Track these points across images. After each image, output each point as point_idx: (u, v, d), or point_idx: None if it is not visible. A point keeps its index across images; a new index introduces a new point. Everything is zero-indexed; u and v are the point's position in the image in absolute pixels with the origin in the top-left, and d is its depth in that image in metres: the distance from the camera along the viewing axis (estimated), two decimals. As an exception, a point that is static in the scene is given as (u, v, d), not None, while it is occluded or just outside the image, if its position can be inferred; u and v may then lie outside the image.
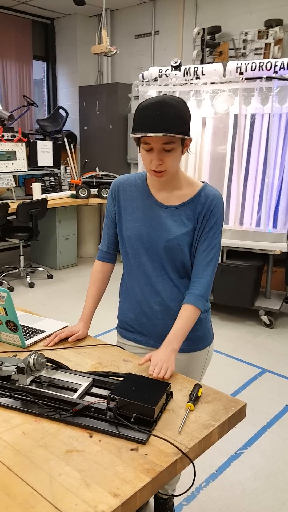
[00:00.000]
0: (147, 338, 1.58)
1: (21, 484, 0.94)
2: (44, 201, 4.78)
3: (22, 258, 5.06)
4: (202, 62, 5.65)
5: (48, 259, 5.50)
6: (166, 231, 1.47)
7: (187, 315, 1.42)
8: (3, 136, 5.00)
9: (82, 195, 5.28)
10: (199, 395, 1.24)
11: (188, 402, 1.21)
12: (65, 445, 1.06)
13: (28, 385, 1.25)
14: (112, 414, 1.14)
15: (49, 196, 5.08)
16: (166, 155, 1.35)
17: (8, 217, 4.64)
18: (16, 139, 5.12)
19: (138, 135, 1.32)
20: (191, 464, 1.05)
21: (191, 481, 1.10)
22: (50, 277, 5.10)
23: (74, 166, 5.81)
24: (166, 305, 1.51)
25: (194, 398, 1.22)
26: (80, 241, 5.87)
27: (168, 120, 1.28)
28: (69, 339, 1.56)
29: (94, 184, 5.39)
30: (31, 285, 4.82)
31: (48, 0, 6.19)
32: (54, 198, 5.12)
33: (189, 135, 1.36)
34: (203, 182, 1.50)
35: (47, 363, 1.36)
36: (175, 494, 1.87)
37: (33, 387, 1.25)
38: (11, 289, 4.69)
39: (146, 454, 1.03)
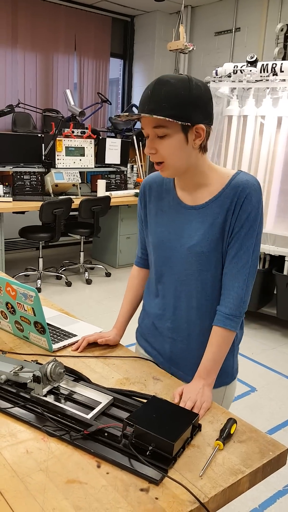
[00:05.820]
0: (156, 353, 1.42)
1: (9, 514, 0.83)
2: (107, 198, 4.74)
3: (82, 254, 5.06)
4: (284, 59, 5.33)
5: (108, 257, 5.47)
6: (189, 237, 1.23)
7: (217, 341, 1.22)
8: (73, 132, 5.03)
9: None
10: (231, 432, 1.07)
11: (217, 440, 1.04)
12: (68, 472, 0.93)
13: (44, 395, 1.15)
14: (127, 442, 1.00)
15: (113, 193, 5.03)
16: (159, 143, 1.13)
17: (73, 213, 4.66)
18: (85, 136, 5.13)
19: (120, 119, 1.17)
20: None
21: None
22: (108, 275, 5.06)
23: (142, 165, 5.74)
24: (179, 325, 1.32)
25: (226, 436, 1.05)
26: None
27: (157, 99, 1.08)
28: (99, 341, 1.44)
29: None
30: (88, 281, 4.81)
31: (129, -3, 6.18)
32: (118, 196, 5.07)
33: (192, 120, 1.10)
34: (239, 171, 1.21)
35: (68, 374, 1.25)
36: None
37: (48, 398, 1.14)
38: (68, 284, 4.70)
39: (156, 498, 0.88)
